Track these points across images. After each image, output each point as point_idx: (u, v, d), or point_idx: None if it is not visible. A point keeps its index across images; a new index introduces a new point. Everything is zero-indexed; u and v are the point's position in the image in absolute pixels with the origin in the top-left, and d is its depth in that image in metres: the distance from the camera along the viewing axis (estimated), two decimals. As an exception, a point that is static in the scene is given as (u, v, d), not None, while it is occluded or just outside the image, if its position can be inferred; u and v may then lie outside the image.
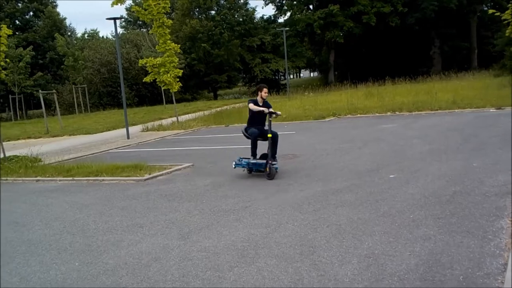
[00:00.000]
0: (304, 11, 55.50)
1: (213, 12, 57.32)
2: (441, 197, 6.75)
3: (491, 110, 16.53)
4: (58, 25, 54.30)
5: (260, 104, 9.68)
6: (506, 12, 22.88)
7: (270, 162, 9.13)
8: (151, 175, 10.43)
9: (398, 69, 44.33)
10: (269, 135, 9.27)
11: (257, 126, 9.69)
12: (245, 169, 9.79)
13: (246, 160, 9.69)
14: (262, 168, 9.43)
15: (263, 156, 9.43)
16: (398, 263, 4.67)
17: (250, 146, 9.60)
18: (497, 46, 41.54)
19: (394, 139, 12.55)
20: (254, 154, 9.59)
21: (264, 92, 9.77)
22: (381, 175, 8.55)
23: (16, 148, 17.45)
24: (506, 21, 23.32)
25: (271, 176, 9.08)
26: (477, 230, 5.35)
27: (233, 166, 9.78)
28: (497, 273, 4.26)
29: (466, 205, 6.27)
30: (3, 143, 15.48)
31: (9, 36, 14.80)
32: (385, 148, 11.45)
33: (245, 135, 9.81)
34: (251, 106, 9.61)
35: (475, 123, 14.14)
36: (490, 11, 26.52)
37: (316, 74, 78.45)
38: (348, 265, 4.73)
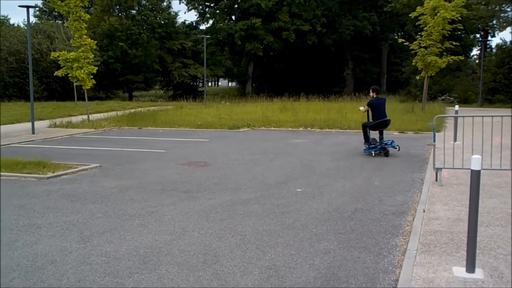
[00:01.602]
0: (226, 21, 55.91)
1: (134, 11, 56.11)
2: (343, 213, 7.03)
3: (395, 133, 17.47)
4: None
5: None
6: (414, 43, 24.52)
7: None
8: (54, 174, 9.97)
9: (313, 86, 45.80)
10: None
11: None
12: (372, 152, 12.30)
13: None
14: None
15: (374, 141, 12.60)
16: (297, 275, 4.80)
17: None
18: (405, 74, 44.32)
19: (304, 154, 12.90)
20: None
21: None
22: (289, 188, 8.76)
23: None
24: (413, 51, 24.99)
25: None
26: (374, 246, 5.63)
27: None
28: (388, 288, 4.50)
29: (366, 222, 6.57)
30: None
31: None
32: (295, 162, 11.74)
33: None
34: None
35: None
36: (400, 40, 28.35)
37: (234, 84, 79.01)
38: (250, 276, 4.78)
